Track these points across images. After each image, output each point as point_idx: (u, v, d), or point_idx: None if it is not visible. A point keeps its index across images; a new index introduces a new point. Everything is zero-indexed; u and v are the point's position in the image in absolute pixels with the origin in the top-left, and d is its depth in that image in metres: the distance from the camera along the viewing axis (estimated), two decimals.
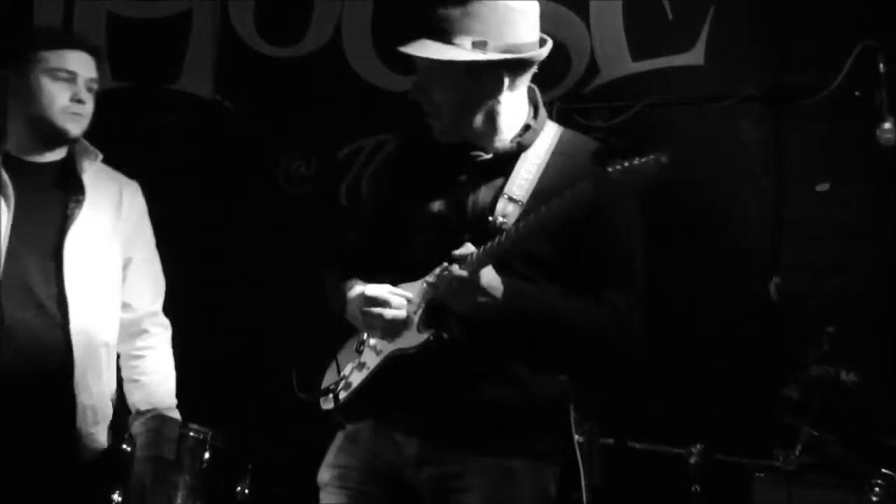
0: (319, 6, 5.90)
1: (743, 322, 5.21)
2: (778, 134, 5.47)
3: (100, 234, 4.16)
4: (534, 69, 3.57)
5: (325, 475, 3.68)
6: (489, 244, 3.33)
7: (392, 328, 3.49)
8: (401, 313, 3.46)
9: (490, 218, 3.47)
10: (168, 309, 4.44)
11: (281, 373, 4.54)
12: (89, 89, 4.06)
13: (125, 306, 4.27)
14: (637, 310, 3.52)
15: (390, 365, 3.54)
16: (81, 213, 4.10)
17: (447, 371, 3.49)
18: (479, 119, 3.57)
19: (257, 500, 4.77)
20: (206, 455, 4.51)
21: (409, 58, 3.70)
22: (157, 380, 4.30)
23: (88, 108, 4.06)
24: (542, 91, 4.82)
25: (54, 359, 4.04)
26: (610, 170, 3.15)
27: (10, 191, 3.99)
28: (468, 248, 3.38)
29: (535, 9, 3.56)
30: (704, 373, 5.12)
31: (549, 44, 3.59)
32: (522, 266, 3.42)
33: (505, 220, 3.46)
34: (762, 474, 4.69)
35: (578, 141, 3.67)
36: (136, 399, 4.24)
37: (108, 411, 4.19)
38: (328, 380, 3.70)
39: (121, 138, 4.84)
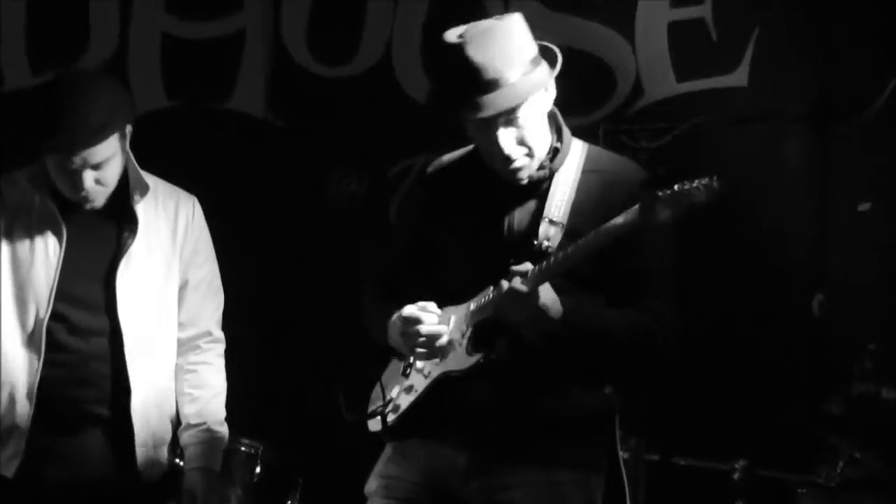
0: (370, 27, 5.93)
1: (786, 339, 5.26)
2: (822, 152, 5.52)
3: (154, 261, 4.20)
4: None
5: (372, 485, 3.72)
6: (545, 263, 3.38)
7: (432, 344, 3.56)
8: (436, 328, 3.53)
9: (535, 241, 3.51)
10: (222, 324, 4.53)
11: (330, 389, 4.66)
12: (96, 168, 4.01)
13: (182, 325, 4.30)
14: (676, 314, 3.57)
15: (439, 385, 3.61)
16: (135, 243, 4.15)
17: (496, 387, 3.53)
18: (538, 142, 3.60)
19: None
20: (258, 469, 4.58)
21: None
22: (209, 394, 4.32)
23: (102, 183, 4.03)
24: (587, 112, 4.88)
25: (112, 391, 4.08)
26: (661, 195, 3.19)
27: (63, 227, 4.08)
28: (527, 266, 3.42)
29: (516, 15, 3.59)
30: (748, 389, 5.16)
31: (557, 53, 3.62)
32: (562, 279, 3.44)
33: (549, 243, 3.50)
34: (805, 490, 4.70)
35: (605, 158, 3.70)
36: (188, 412, 4.27)
37: (168, 435, 4.24)
38: (374, 401, 3.77)
39: (174, 157, 4.93)
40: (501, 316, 3.48)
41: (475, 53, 3.46)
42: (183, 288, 4.27)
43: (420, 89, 5.88)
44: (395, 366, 3.77)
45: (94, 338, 4.09)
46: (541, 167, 3.63)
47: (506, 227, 3.63)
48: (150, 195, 4.20)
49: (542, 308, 3.41)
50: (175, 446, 4.27)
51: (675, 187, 3.19)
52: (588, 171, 3.63)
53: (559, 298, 3.44)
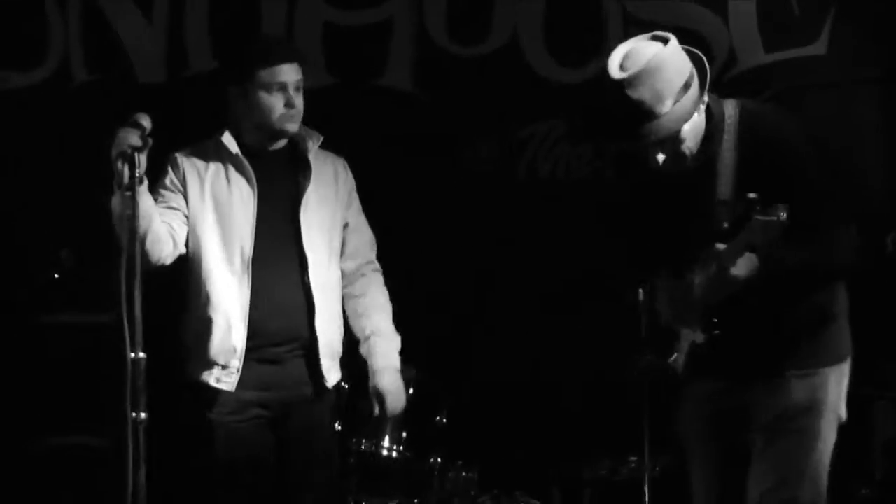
0: (499, 12, 6.19)
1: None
2: (893, 112, 5.95)
3: (325, 201, 4.52)
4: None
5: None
6: (728, 247, 3.65)
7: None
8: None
9: (713, 223, 3.79)
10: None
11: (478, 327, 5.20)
12: (297, 90, 4.37)
13: (349, 257, 4.60)
14: (852, 231, 3.83)
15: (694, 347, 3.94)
16: (310, 186, 4.47)
17: (737, 333, 3.86)
18: (694, 140, 3.81)
19: (452, 428, 5.26)
20: (410, 391, 4.86)
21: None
22: (382, 312, 4.65)
23: (300, 106, 4.39)
24: None
25: (300, 306, 4.46)
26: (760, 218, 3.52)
27: (253, 175, 4.42)
28: (720, 247, 3.68)
29: (672, 38, 3.76)
30: None
31: (702, 57, 3.79)
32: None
33: (726, 223, 3.76)
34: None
35: (756, 120, 3.83)
36: (366, 325, 4.61)
37: (340, 348, 4.60)
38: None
39: (336, 126, 5.03)
40: (711, 299, 3.78)
41: (633, 91, 3.64)
42: (345, 227, 4.60)
43: (542, 64, 6.19)
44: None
45: (287, 265, 4.46)
46: (704, 150, 3.82)
47: (686, 211, 3.87)
48: (315, 153, 4.53)
49: (742, 278, 3.68)
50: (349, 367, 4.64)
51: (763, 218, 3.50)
52: (744, 143, 3.81)
53: (750, 261, 3.67)
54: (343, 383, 4.74)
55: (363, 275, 4.67)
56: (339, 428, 4.91)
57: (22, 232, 5.99)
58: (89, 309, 5.61)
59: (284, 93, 4.36)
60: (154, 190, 4.33)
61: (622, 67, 3.71)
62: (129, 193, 3.81)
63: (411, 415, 4.96)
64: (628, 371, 4.45)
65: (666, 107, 3.66)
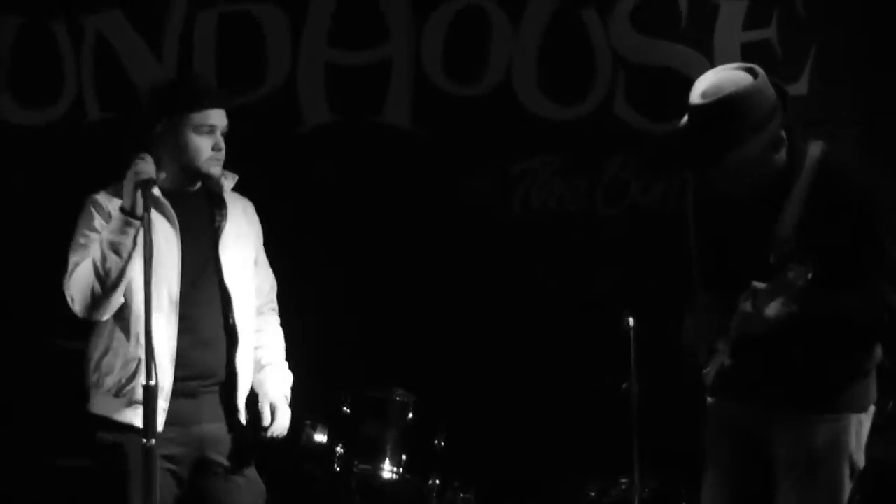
0: (493, 53, 6.31)
1: None
2: (871, 151, 5.97)
3: (240, 239, 4.50)
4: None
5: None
6: (771, 286, 3.69)
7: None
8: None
9: (769, 256, 3.80)
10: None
11: (475, 353, 5.33)
12: (223, 134, 4.33)
13: (256, 295, 4.57)
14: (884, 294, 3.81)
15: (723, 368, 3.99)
16: (227, 224, 4.45)
17: (761, 362, 3.93)
18: (769, 170, 3.82)
19: (450, 450, 5.35)
20: (410, 415, 5.07)
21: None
22: (274, 347, 4.64)
23: (223, 150, 4.35)
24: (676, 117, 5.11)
25: (221, 342, 4.41)
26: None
27: (174, 215, 4.33)
28: (757, 286, 3.72)
29: (761, 71, 3.79)
30: None
31: (785, 90, 3.83)
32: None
33: (780, 258, 3.76)
34: None
35: (836, 172, 3.82)
36: (259, 356, 4.56)
37: (251, 380, 4.53)
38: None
39: (336, 161, 5.60)
40: (742, 332, 3.82)
41: (710, 120, 3.68)
42: (254, 265, 4.58)
43: (534, 102, 6.30)
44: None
45: (210, 303, 4.40)
46: (779, 182, 3.81)
47: (749, 238, 3.89)
48: (228, 194, 4.49)
49: (768, 321, 3.73)
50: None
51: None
52: (820, 184, 3.79)
53: (782, 305, 3.70)
54: (345, 408, 4.93)
55: (262, 313, 4.66)
56: (341, 451, 5.06)
57: (41, 262, 5.77)
58: None
59: (212, 136, 4.34)
60: (81, 233, 4.30)
61: (704, 95, 3.73)
62: (138, 222, 4.01)
63: (411, 438, 5.12)
64: (600, 392, 4.68)
65: (746, 136, 3.68)
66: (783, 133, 3.82)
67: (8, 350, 6.18)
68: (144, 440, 3.81)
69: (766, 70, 5.69)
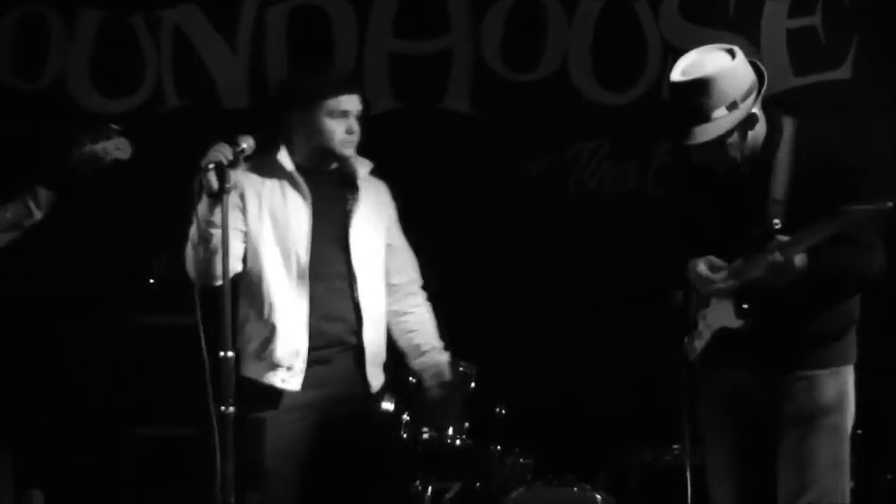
0: (550, 42, 6.49)
1: None
2: None
3: (370, 224, 4.61)
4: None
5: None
6: (797, 236, 3.74)
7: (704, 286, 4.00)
8: (708, 275, 3.96)
9: (766, 219, 3.89)
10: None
11: (534, 327, 5.54)
12: (358, 119, 4.49)
13: (395, 277, 4.71)
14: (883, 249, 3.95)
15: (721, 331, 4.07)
16: (357, 208, 4.58)
17: (764, 326, 3.99)
18: (746, 145, 3.93)
19: (510, 419, 5.53)
20: (472, 385, 5.02)
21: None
22: (427, 328, 4.78)
23: (358, 134, 4.50)
24: None
25: (350, 318, 4.56)
26: (855, 208, 3.61)
27: (308, 193, 4.50)
28: (783, 238, 3.78)
29: (740, 52, 3.91)
30: None
31: (763, 70, 3.95)
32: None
33: (777, 220, 3.86)
34: None
35: (811, 134, 3.96)
36: (418, 342, 4.73)
37: (383, 355, 4.69)
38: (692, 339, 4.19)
39: (401, 146, 5.81)
40: (766, 283, 3.85)
41: (690, 96, 3.82)
42: (388, 250, 4.70)
43: (589, 88, 6.47)
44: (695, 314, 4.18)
45: (337, 280, 4.57)
46: (760, 155, 3.93)
47: (740, 207, 3.96)
48: (362, 177, 4.62)
49: (796, 270, 3.79)
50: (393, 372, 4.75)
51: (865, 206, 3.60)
52: (800, 152, 3.91)
53: (805, 257, 3.78)
54: (411, 378, 4.98)
55: (409, 293, 4.79)
56: (407, 418, 5.20)
57: (122, 242, 6.37)
58: (179, 311, 5.73)
59: (346, 119, 4.48)
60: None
61: (683, 72, 3.87)
62: (211, 201, 4.15)
63: (473, 406, 5.18)
64: (664, 367, 4.70)
65: (718, 113, 3.81)
66: (759, 111, 3.95)
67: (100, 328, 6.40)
68: (222, 407, 3.92)
69: (810, 56, 6.20)
